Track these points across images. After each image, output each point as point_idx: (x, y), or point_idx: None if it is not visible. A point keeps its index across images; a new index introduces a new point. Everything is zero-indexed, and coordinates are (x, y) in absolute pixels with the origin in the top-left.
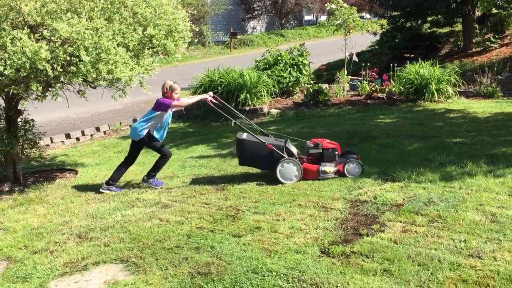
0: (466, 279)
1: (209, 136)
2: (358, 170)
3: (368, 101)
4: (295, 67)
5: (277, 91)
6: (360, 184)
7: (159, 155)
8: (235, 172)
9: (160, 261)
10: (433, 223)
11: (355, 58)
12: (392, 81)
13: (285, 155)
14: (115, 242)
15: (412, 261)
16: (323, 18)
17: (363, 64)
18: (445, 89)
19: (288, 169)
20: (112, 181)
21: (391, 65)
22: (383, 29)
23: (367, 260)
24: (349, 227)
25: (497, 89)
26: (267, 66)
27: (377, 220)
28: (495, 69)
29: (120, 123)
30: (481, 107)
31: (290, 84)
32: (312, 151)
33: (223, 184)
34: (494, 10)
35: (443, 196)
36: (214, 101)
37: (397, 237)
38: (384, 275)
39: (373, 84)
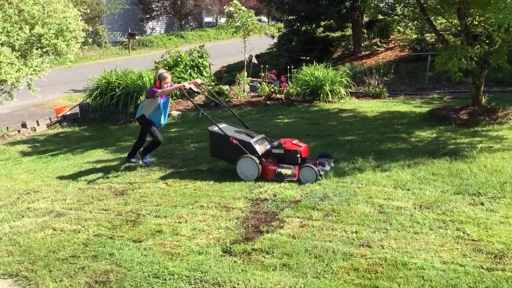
0: (357, 268)
1: (107, 139)
2: (312, 177)
3: (268, 102)
4: (195, 68)
5: (178, 93)
6: (261, 183)
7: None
8: (136, 176)
9: (54, 273)
10: (328, 217)
11: (254, 60)
12: (289, 82)
13: (247, 152)
14: (3, 256)
15: (309, 254)
16: (222, 20)
17: (262, 66)
18: (338, 90)
19: (247, 166)
20: (129, 156)
21: (289, 67)
22: (280, 33)
23: (267, 256)
24: (250, 225)
25: (384, 90)
26: (167, 68)
27: (277, 217)
28: (382, 71)
29: (7, 128)
30: (370, 107)
31: None
32: (274, 151)
33: (122, 189)
34: (380, 16)
35: (336, 191)
36: (194, 89)
37: (295, 232)
38: (283, 269)
39: (272, 86)
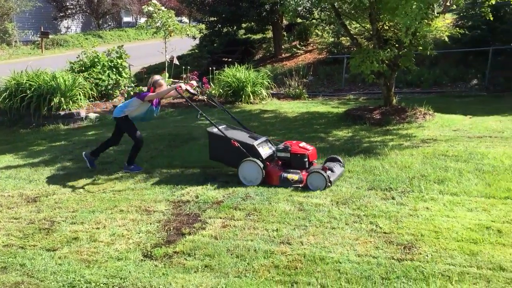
0: (278, 265)
1: (18, 144)
2: (321, 183)
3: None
4: (114, 69)
5: (96, 94)
6: (183, 184)
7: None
8: (50, 182)
9: None
10: (249, 216)
11: (176, 61)
12: (212, 84)
13: (250, 155)
14: None
15: (231, 254)
16: (142, 20)
17: (184, 67)
18: (259, 92)
19: (249, 170)
20: (93, 155)
21: (211, 68)
22: (202, 34)
23: (189, 259)
24: (172, 228)
25: (303, 91)
26: (83, 69)
27: (199, 218)
28: (301, 73)
29: None
30: (291, 108)
31: (109, 87)
32: (280, 154)
33: (35, 196)
34: (299, 20)
35: (258, 190)
36: (191, 90)
37: (217, 233)
38: (205, 271)
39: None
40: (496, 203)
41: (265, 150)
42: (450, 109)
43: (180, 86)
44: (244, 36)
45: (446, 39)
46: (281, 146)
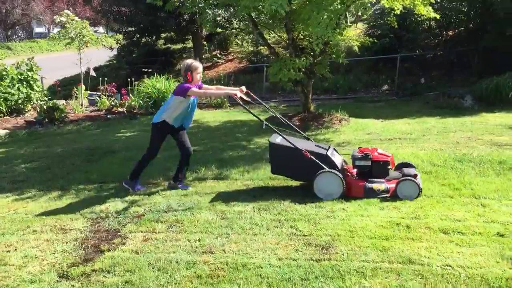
0: (200, 275)
1: None
2: (414, 192)
3: (109, 116)
4: (24, 82)
5: (5, 109)
6: (102, 200)
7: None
8: None
9: None
10: (172, 228)
11: (92, 73)
12: (131, 95)
13: (325, 166)
14: None
15: (153, 268)
16: (56, 30)
17: (101, 79)
18: None
19: (328, 183)
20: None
21: (130, 79)
22: (119, 44)
23: (108, 276)
24: (90, 246)
25: (225, 100)
26: None
27: (119, 233)
28: (222, 82)
29: None
30: (213, 117)
31: (19, 101)
32: (359, 163)
33: None
34: (219, 30)
35: (180, 201)
36: (244, 97)
37: (138, 247)
38: (125, 287)
39: (113, 99)
40: (405, 200)
41: (337, 159)
42: (364, 113)
43: (236, 94)
44: (164, 46)
45: (356, 48)
46: (357, 154)
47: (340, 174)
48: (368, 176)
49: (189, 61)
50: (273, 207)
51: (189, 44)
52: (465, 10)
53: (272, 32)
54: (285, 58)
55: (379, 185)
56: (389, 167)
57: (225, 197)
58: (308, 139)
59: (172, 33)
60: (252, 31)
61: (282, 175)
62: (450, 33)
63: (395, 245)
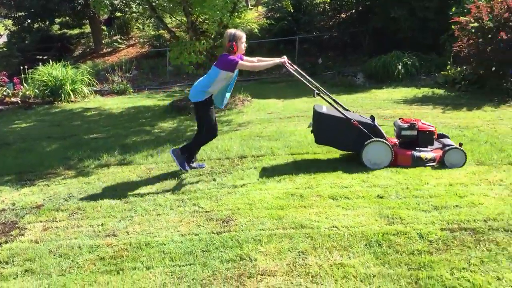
0: (103, 257)
1: None
2: (461, 160)
3: (1, 107)
4: None
5: None
6: None
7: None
8: None
9: None
10: (73, 215)
11: None
12: (25, 84)
13: (373, 136)
14: None
15: (54, 255)
16: None
17: None
18: (80, 89)
19: (377, 153)
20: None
21: (23, 67)
22: (9, 30)
23: (6, 266)
24: None
25: (128, 86)
26: None
27: (17, 225)
28: (124, 67)
29: None
30: (115, 104)
31: None
32: (405, 132)
33: None
34: (119, 14)
35: (82, 189)
36: (289, 66)
37: (38, 237)
38: (25, 275)
39: (5, 89)
40: (300, 173)
41: (382, 130)
42: (266, 94)
43: (284, 61)
44: (59, 32)
45: (256, 30)
46: (402, 124)
47: (389, 143)
48: (413, 146)
49: (232, 30)
50: (176, 188)
51: (87, 29)
52: None
53: (173, 16)
54: (185, 42)
55: (426, 153)
56: (434, 136)
57: (129, 182)
58: (348, 110)
59: (67, 18)
60: (151, 15)
61: (328, 145)
62: (343, 15)
63: (289, 213)
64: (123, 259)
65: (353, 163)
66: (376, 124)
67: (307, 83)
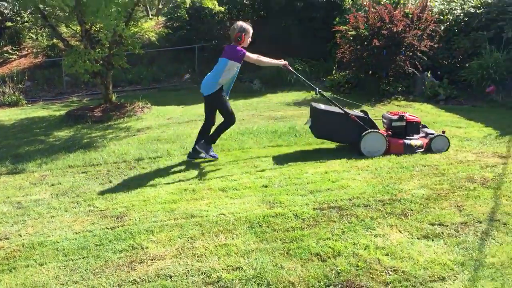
0: None
1: None
2: (445, 145)
3: None
4: None
5: None
6: None
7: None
8: None
9: None
10: None
11: None
12: None
13: (367, 127)
14: None
15: None
16: None
17: None
18: None
19: (374, 142)
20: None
21: None
22: None
23: None
24: None
25: (21, 97)
26: None
27: None
28: (16, 79)
29: None
30: (7, 115)
31: None
32: (395, 123)
33: None
34: (9, 23)
35: None
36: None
37: None
38: None
39: None
40: (193, 170)
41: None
42: (167, 101)
43: (285, 64)
44: None
45: (154, 38)
46: (392, 116)
47: (384, 134)
48: (402, 135)
49: (241, 22)
50: (72, 191)
51: None
52: (249, 3)
53: (69, 26)
54: (80, 50)
55: (415, 141)
56: (420, 126)
57: (22, 189)
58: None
59: None
60: (44, 25)
61: (326, 139)
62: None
63: (181, 206)
64: (15, 259)
65: (243, 159)
66: (370, 118)
67: (307, 83)
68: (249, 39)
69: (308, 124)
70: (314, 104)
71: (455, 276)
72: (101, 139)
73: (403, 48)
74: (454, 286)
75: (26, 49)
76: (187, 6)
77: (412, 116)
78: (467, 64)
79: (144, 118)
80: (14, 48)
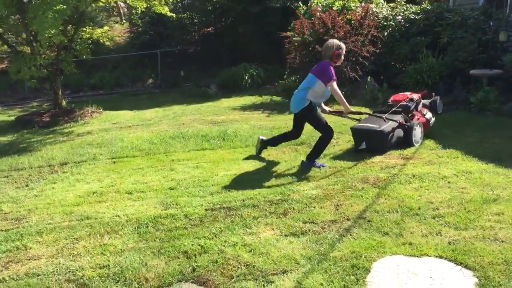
0: None
1: None
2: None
3: None
4: None
5: None
6: None
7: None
8: None
9: None
10: None
11: None
12: None
13: (407, 125)
14: None
15: None
16: None
17: None
18: None
19: (417, 132)
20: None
21: None
22: None
23: None
24: None
25: None
26: None
27: None
28: None
29: None
30: None
31: None
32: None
33: None
34: None
35: None
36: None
37: None
38: None
39: None
40: (110, 174)
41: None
42: (123, 106)
43: (348, 111)
44: None
45: (108, 43)
46: (403, 99)
47: (421, 121)
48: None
49: (335, 40)
50: None
51: None
52: (211, 10)
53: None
54: (25, 55)
55: (429, 114)
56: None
57: None
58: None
59: None
60: None
61: (392, 148)
62: (208, 30)
63: (82, 208)
64: None
65: (163, 162)
66: (404, 116)
67: (373, 115)
68: (340, 61)
69: (362, 147)
70: (358, 126)
71: (297, 269)
72: (37, 144)
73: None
74: (289, 278)
75: None
76: (139, 12)
77: (414, 93)
78: (405, 69)
79: (91, 123)
80: None
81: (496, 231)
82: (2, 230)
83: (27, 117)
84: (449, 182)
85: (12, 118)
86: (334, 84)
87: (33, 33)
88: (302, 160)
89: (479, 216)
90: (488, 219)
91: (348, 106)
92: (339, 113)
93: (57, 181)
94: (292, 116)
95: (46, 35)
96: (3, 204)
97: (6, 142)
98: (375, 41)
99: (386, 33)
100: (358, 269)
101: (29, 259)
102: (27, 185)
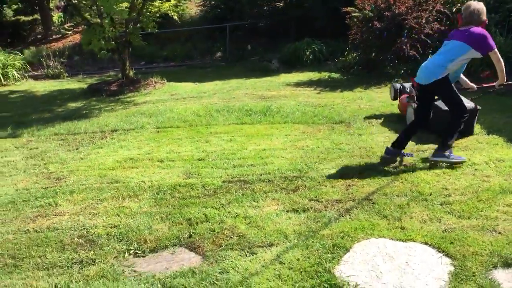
0: None
1: None
2: None
3: None
4: None
5: None
6: None
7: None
8: None
9: None
10: None
11: None
12: None
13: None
14: None
15: None
16: None
17: None
18: (11, 73)
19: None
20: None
21: None
22: None
23: None
24: None
25: (62, 70)
26: None
27: None
28: (67, 53)
29: None
30: (44, 87)
31: None
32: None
33: None
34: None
35: None
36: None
37: None
38: None
39: None
40: (150, 143)
41: None
42: (187, 78)
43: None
44: (13, 18)
45: (176, 17)
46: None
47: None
48: None
49: (475, 2)
50: (40, 156)
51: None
52: None
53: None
54: (95, 28)
55: None
56: None
57: (3, 151)
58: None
59: (19, 4)
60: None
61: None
62: (277, 4)
63: (115, 173)
64: None
65: (202, 134)
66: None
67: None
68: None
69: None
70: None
71: (283, 243)
72: (98, 111)
73: (405, 31)
74: (272, 251)
75: (82, 26)
76: None
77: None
78: None
79: (152, 93)
80: (74, 24)
81: (498, 223)
82: (42, 188)
83: (97, 85)
84: (475, 170)
85: (86, 86)
86: (497, 51)
87: (101, 8)
88: (433, 152)
89: (489, 206)
90: (496, 210)
91: (504, 73)
92: (490, 87)
93: (104, 146)
94: (342, 94)
95: (112, 13)
96: (51, 164)
97: (73, 108)
98: (441, 17)
99: (454, 9)
100: (338, 248)
101: (55, 215)
102: (77, 149)
